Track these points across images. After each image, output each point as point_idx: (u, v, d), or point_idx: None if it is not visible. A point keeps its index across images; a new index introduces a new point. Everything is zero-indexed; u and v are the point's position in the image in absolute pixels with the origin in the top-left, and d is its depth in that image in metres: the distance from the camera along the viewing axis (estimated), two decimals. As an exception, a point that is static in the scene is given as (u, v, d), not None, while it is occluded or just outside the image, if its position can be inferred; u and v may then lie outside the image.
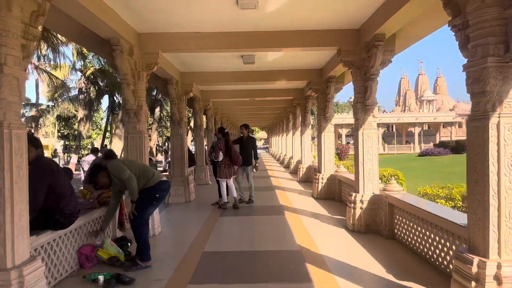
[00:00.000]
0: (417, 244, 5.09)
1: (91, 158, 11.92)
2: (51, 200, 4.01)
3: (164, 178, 5.02)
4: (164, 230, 6.89)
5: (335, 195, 9.59)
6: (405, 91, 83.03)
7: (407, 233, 5.43)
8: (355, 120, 6.65)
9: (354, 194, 6.52)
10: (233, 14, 5.70)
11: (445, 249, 4.29)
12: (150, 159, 10.61)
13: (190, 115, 18.21)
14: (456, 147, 33.45)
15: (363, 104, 6.43)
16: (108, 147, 25.96)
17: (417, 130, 63.33)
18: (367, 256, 5.14)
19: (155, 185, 4.87)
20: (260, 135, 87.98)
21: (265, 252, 5.53)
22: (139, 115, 6.40)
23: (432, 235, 4.65)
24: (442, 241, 4.36)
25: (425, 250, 4.84)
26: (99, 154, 11.88)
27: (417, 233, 5.11)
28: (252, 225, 7.35)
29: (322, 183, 9.87)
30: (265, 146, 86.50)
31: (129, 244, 5.52)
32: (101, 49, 6.03)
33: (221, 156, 8.43)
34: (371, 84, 6.23)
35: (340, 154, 35.43)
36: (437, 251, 4.50)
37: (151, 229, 5.96)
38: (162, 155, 34.12)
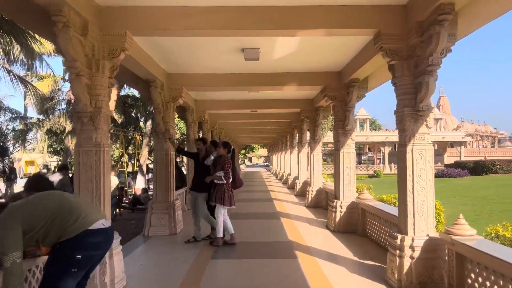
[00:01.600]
0: (378, 237, 6.80)
1: (57, 177, 9.30)
2: None
3: (101, 225, 3.12)
4: (131, 282, 5.05)
5: (323, 204, 11.53)
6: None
7: (373, 229, 7.13)
8: (335, 142, 8.40)
9: (335, 200, 8.22)
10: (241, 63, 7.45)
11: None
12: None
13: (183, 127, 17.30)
14: (474, 168, 30.17)
15: (343, 129, 8.20)
16: None
17: (386, 149, 61.05)
18: (342, 247, 6.82)
19: (74, 238, 2.93)
20: (260, 152, 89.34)
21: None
22: (97, 121, 4.64)
23: (385, 228, 6.37)
24: (389, 230, 6.07)
25: (382, 240, 6.54)
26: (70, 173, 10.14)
27: (378, 228, 6.82)
28: (254, 273, 5.50)
29: (312, 194, 11.76)
30: (265, 164, 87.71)
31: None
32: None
33: (230, 178, 6.84)
34: (348, 114, 8.01)
35: None
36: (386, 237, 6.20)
37: (108, 285, 4.53)
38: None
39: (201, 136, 14.18)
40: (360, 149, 68.03)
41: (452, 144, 63.82)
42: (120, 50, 4.83)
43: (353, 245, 6.90)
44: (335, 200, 8.26)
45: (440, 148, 62.56)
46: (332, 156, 12.66)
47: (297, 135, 16.62)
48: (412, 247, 4.58)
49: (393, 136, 59.36)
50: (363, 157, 68.28)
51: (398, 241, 4.69)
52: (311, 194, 11.88)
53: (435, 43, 4.17)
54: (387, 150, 59.51)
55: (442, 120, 74.11)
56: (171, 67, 8.07)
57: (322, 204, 11.62)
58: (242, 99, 11.92)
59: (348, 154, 8.27)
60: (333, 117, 8.91)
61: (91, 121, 4.65)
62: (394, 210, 6.56)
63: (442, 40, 4.12)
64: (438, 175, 28.40)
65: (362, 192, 8.00)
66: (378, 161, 60.94)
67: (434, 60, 4.25)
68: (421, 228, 4.66)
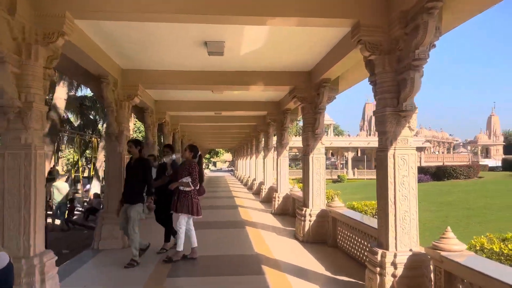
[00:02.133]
0: (350, 249, 6.29)
1: None
2: None
3: None
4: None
5: (289, 211, 10.98)
6: (370, 116, 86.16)
7: (346, 240, 6.62)
8: (305, 146, 7.87)
9: (304, 208, 7.68)
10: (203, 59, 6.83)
11: (367, 248, 5.50)
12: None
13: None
14: (436, 173, 30.27)
15: (312, 132, 7.68)
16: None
17: (350, 155, 59.83)
18: (313, 260, 6.26)
19: None
20: (225, 157, 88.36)
21: None
22: (27, 118, 3.97)
23: (360, 239, 5.87)
24: (365, 242, 5.58)
25: (356, 252, 6.04)
26: None
27: (352, 239, 6.31)
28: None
29: (278, 201, 11.21)
30: (230, 168, 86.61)
31: None
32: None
33: (198, 184, 6.13)
34: (319, 117, 7.50)
35: None
36: (363, 251, 5.71)
37: None
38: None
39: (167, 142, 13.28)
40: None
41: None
42: (58, 34, 4.09)
43: (324, 257, 6.36)
44: (304, 208, 7.72)
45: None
46: (297, 161, 12.20)
47: (263, 139, 16.09)
48: (394, 264, 4.07)
49: (357, 141, 60.41)
50: (326, 162, 69.20)
51: (379, 257, 4.17)
52: (278, 201, 11.33)
53: (422, 35, 3.68)
54: (350, 155, 59.71)
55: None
56: (126, 62, 7.27)
57: (289, 211, 11.09)
58: (205, 100, 11.23)
59: (317, 159, 7.76)
60: (297, 121, 8.39)
61: (20, 119, 3.97)
62: (369, 220, 6.11)
63: (430, 31, 3.63)
64: None
65: (333, 200, 7.51)
66: (341, 166, 61.46)
67: (420, 54, 3.75)
68: (404, 242, 4.17)
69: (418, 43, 3.73)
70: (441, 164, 43.88)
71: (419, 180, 28.22)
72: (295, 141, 42.78)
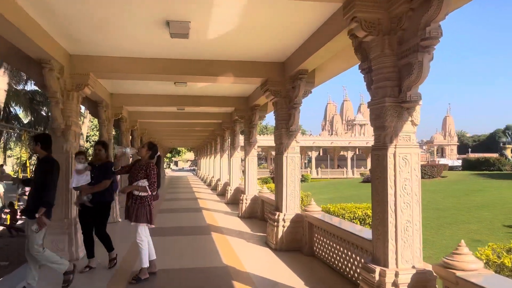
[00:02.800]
0: (333, 260, 5.60)
1: None
2: None
3: None
4: None
5: (258, 214, 10.21)
6: (332, 116, 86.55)
7: (325, 249, 5.94)
8: (278, 145, 7.14)
9: (277, 213, 6.95)
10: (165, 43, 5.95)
11: (355, 262, 4.82)
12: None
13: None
14: None
15: (287, 130, 6.96)
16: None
17: (349, 154, 60.03)
18: (289, 273, 5.52)
19: None
20: (187, 156, 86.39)
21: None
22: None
23: (344, 250, 5.18)
24: (353, 254, 4.90)
25: (339, 264, 5.36)
26: None
27: (332, 249, 5.63)
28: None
29: (246, 203, 10.42)
30: (192, 168, 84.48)
31: None
32: None
33: (156, 189, 5.18)
34: (294, 112, 6.78)
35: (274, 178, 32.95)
36: (349, 264, 5.03)
37: None
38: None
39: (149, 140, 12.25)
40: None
41: None
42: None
43: (302, 269, 5.64)
44: (277, 213, 6.98)
45: (365, 154, 64.52)
46: (259, 160, 11.39)
47: (229, 137, 15.24)
48: (396, 285, 3.38)
49: (321, 141, 60.26)
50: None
51: (376, 276, 3.47)
52: (245, 203, 10.53)
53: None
54: (314, 154, 58.85)
55: (366, 126, 77.20)
56: (74, 46, 6.24)
57: (257, 214, 10.32)
58: (167, 94, 10.24)
59: (292, 158, 7.03)
60: (260, 121, 7.64)
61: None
62: (352, 227, 5.42)
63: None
64: (368, 180, 28.75)
65: (309, 203, 6.81)
66: (303, 165, 61.31)
67: (432, 32, 3.04)
68: (406, 258, 3.49)
69: (430, 18, 3.04)
70: None
71: None
72: (260, 140, 42.56)
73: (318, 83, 7.10)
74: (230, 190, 14.16)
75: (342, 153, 63.69)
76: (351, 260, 4.96)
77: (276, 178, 7.35)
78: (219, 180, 18.93)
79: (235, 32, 5.52)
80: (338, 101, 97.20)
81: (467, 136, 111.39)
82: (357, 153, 63.57)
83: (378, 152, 3.65)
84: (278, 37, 5.80)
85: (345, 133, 75.68)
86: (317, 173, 55.22)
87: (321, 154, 67.07)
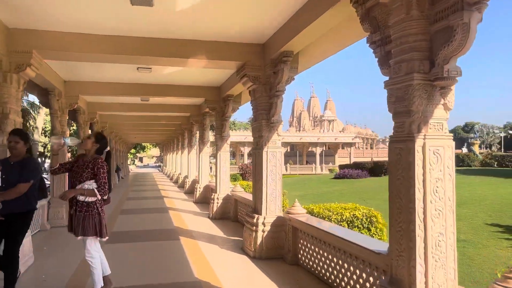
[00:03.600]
0: (323, 271, 4.77)
1: None
2: None
3: None
4: None
5: (231, 215, 9.32)
6: (299, 112, 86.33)
7: (312, 259, 5.09)
8: (257, 138, 6.24)
9: (256, 216, 6.05)
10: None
11: (359, 278, 3.99)
12: None
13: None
14: (373, 169, 28.91)
15: (267, 121, 6.08)
16: None
17: (318, 150, 59.04)
18: (271, 285, 4.68)
19: None
20: (152, 152, 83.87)
21: None
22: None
23: (341, 262, 4.35)
24: (356, 270, 4.06)
25: (332, 277, 4.54)
26: None
27: (323, 259, 4.79)
28: None
29: (217, 203, 9.49)
30: (157, 164, 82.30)
31: None
32: None
33: (107, 192, 4.01)
34: (276, 101, 5.90)
35: (244, 175, 31.60)
36: (345, 277, 4.21)
37: None
38: None
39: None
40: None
41: (343, 146, 62.90)
42: None
43: (285, 281, 4.80)
44: (256, 215, 6.05)
45: (333, 149, 64.46)
46: (235, 157, 10.55)
47: (198, 131, 14.15)
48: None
49: (290, 136, 59.34)
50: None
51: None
52: (217, 203, 9.53)
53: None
54: (283, 150, 58.68)
55: (334, 122, 77.51)
56: (12, 18, 5.07)
57: (230, 215, 9.36)
58: (130, 82, 9.05)
59: (273, 153, 6.14)
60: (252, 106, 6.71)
61: None
62: (355, 236, 4.56)
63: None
64: (339, 176, 28.45)
65: (293, 205, 5.95)
66: None
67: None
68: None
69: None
70: (369, 159, 44.58)
71: (357, 176, 27.65)
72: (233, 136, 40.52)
73: (302, 69, 6.24)
74: (199, 188, 13.10)
75: (310, 149, 63.14)
76: (351, 275, 4.13)
77: (255, 176, 6.42)
78: (186, 177, 17.80)
79: (207, 4, 4.57)
80: (305, 98, 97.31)
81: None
82: (325, 149, 63.55)
83: (400, 145, 2.82)
84: (257, 13, 4.89)
85: (313, 129, 75.66)
86: (286, 169, 54.40)
87: (289, 150, 66.51)
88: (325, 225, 5.18)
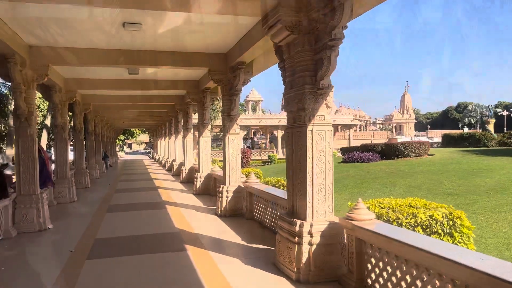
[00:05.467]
0: (264, 218, 6.65)
1: None
2: None
3: None
4: None
5: (211, 191, 10.74)
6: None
7: (260, 212, 6.86)
8: (223, 127, 7.82)
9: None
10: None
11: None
12: None
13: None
14: (385, 151, 23.91)
15: (229, 114, 7.65)
16: None
17: (279, 133, 51.21)
18: (230, 232, 6.36)
19: None
20: (141, 138, 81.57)
21: None
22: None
23: (270, 209, 6.27)
24: (274, 211, 5.95)
25: (267, 221, 6.45)
26: None
27: (264, 210, 6.61)
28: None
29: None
30: (147, 150, 77.78)
31: None
32: None
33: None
34: (235, 98, 7.48)
35: (241, 160, 25.77)
36: (272, 219, 6.11)
37: None
38: None
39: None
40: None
41: (341, 128, 58.24)
42: None
43: (241, 229, 6.53)
44: (221, 185, 7.95)
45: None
46: (218, 142, 11.83)
47: (182, 119, 15.47)
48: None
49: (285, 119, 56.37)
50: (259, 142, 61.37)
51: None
52: (200, 181, 11.01)
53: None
54: (280, 133, 50.66)
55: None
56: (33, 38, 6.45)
57: (210, 191, 10.78)
58: (120, 78, 10.25)
59: (233, 139, 7.99)
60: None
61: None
62: (275, 190, 6.63)
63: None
64: (350, 159, 23.44)
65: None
66: (263, 145, 54.53)
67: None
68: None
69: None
70: (369, 141, 41.89)
71: (368, 160, 23.04)
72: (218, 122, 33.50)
73: (256, 73, 7.80)
74: (185, 169, 14.47)
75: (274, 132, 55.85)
76: (273, 215, 6.07)
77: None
78: (174, 161, 18.80)
79: (181, 28, 6.09)
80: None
81: (420, 113, 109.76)
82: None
83: (299, 129, 4.35)
84: (219, 33, 6.48)
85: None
86: (283, 153, 50.30)
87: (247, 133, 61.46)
88: (268, 188, 6.86)
